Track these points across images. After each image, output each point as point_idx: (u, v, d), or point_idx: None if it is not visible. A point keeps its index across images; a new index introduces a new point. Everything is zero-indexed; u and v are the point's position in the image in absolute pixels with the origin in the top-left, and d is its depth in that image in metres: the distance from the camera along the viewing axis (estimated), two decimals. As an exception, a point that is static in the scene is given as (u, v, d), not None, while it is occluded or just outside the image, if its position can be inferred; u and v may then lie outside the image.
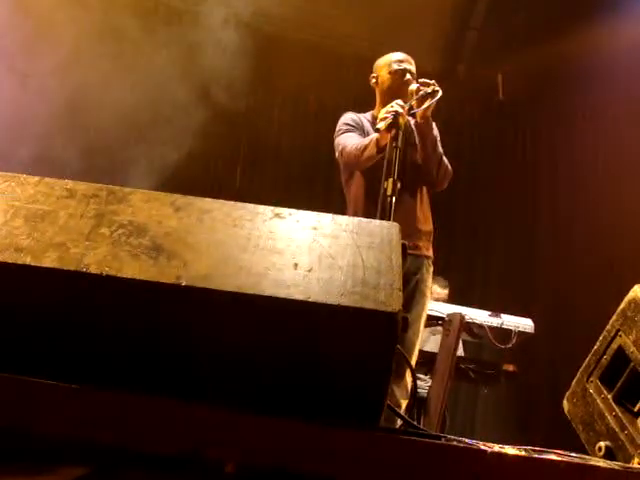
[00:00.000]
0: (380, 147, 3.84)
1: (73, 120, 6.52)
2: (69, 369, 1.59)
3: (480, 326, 5.90)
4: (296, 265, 1.64)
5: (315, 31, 7.95)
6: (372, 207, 3.87)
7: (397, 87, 4.20)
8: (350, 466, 1.51)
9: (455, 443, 1.66)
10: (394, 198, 3.38)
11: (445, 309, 5.79)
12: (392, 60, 4.36)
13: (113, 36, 6.75)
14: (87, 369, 1.61)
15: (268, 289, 1.58)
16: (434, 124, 4.17)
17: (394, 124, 3.63)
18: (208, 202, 1.79)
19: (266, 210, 1.79)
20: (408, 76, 4.20)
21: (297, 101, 8.08)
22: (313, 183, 7.93)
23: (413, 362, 4.20)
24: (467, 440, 1.73)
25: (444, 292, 7.16)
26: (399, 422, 3.12)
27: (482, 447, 1.60)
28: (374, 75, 4.42)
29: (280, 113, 8.03)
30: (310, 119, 8.01)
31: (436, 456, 1.57)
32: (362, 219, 1.82)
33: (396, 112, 3.67)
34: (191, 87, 7.27)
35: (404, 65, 4.30)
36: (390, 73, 4.29)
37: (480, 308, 6.10)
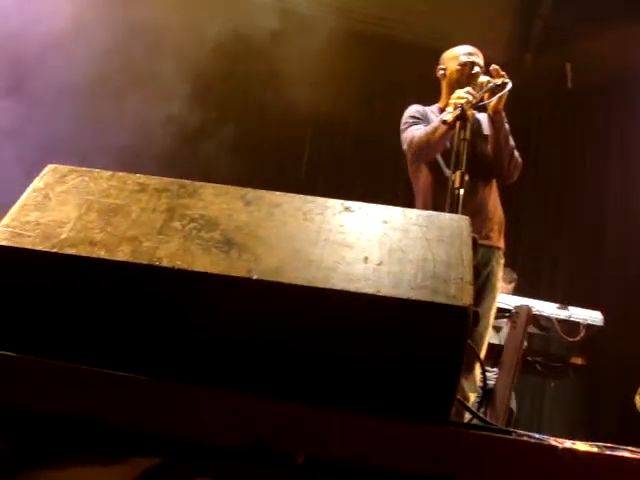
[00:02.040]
0: (445, 137, 3.82)
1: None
2: (141, 362, 1.61)
3: (548, 319, 5.84)
4: (366, 259, 1.64)
5: (380, 21, 7.91)
6: (441, 199, 3.86)
7: (465, 79, 4.15)
8: (420, 460, 1.50)
9: (525, 438, 1.64)
10: (462, 190, 3.35)
11: (512, 301, 5.73)
12: (461, 53, 4.32)
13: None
14: (157, 362, 1.63)
15: (338, 283, 1.58)
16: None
17: (461, 116, 3.60)
18: (278, 196, 1.80)
19: (336, 204, 1.79)
20: (477, 69, 4.14)
21: (363, 92, 8.06)
22: (379, 175, 7.90)
23: (482, 356, 4.17)
24: (537, 435, 1.71)
25: (510, 286, 7.08)
26: (467, 416, 3.10)
27: (553, 443, 1.58)
28: (442, 67, 4.38)
29: (346, 104, 8.02)
30: (377, 108, 7.98)
31: (506, 452, 1.55)
32: (432, 212, 1.81)
33: (464, 102, 3.64)
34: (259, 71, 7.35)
35: (473, 58, 4.25)
36: (459, 65, 4.24)
37: (547, 300, 6.03)
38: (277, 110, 7.68)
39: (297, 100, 7.70)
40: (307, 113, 7.80)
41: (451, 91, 4.17)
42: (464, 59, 4.26)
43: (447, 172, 3.72)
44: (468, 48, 4.34)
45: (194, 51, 6.72)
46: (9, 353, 1.60)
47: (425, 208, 4.04)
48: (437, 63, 4.48)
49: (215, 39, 6.71)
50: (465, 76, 4.17)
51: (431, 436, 1.53)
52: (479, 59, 4.27)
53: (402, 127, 4.37)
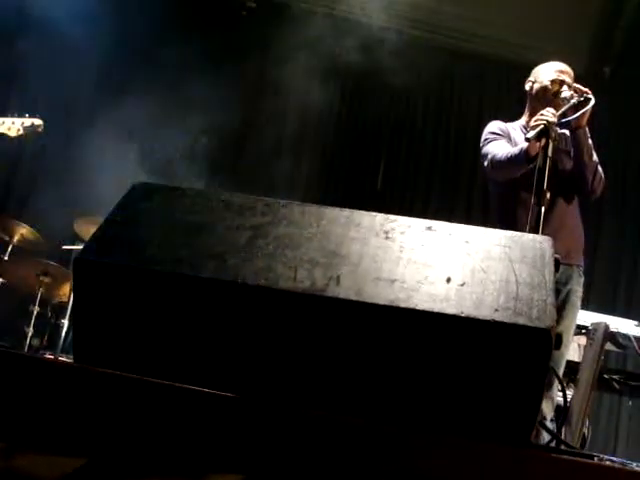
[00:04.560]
0: (530, 157, 3.77)
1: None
2: (224, 378, 1.64)
3: (625, 336, 5.73)
4: (449, 279, 1.64)
5: (458, 34, 7.89)
6: (520, 216, 3.82)
7: (551, 96, 4.09)
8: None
9: (608, 463, 1.62)
10: (543, 208, 3.31)
11: (589, 318, 5.64)
12: (551, 70, 4.25)
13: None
14: (239, 378, 1.65)
15: (421, 303, 1.58)
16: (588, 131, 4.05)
17: (545, 133, 3.55)
18: (360, 214, 1.81)
19: (418, 223, 1.79)
20: (564, 89, 4.07)
21: (440, 104, 8.05)
22: (456, 188, 7.86)
23: (561, 374, 4.11)
24: (619, 460, 1.69)
25: None
26: (544, 434, 3.07)
27: (636, 468, 1.56)
28: (531, 80, 4.32)
29: (423, 115, 8.02)
30: (452, 122, 7.96)
31: (589, 477, 1.53)
32: (515, 233, 1.80)
33: (547, 121, 3.59)
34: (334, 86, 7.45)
35: (563, 77, 4.18)
36: (547, 82, 4.18)
37: (625, 317, 5.92)
38: (353, 122, 7.74)
39: (373, 112, 7.75)
40: (383, 125, 7.83)
41: (535, 106, 4.12)
42: (554, 76, 4.19)
43: (527, 188, 3.67)
44: (560, 66, 4.26)
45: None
46: (96, 368, 1.64)
47: (503, 224, 3.99)
48: (525, 76, 4.41)
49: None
50: (551, 93, 4.10)
51: (512, 458, 1.51)
52: (569, 78, 4.19)
53: (482, 142, 4.31)
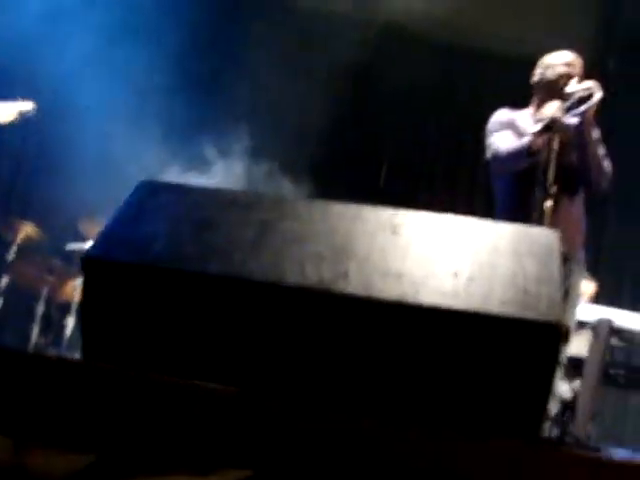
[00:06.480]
0: (532, 151, 3.75)
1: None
2: (232, 374, 1.63)
3: (631, 331, 5.72)
4: (456, 274, 1.63)
5: (459, 30, 7.86)
6: (523, 210, 3.79)
7: (559, 89, 4.05)
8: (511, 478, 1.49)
9: (618, 459, 1.61)
10: (549, 202, 3.30)
11: (593, 313, 5.62)
12: (561, 61, 4.21)
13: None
14: (249, 374, 1.65)
15: (429, 298, 1.58)
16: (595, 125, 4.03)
17: (550, 128, 3.54)
18: (367, 210, 1.80)
19: (425, 217, 1.78)
20: (572, 83, 4.04)
21: (443, 98, 8.01)
22: (456, 182, 7.83)
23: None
24: (627, 452, 1.68)
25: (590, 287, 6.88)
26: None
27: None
28: (539, 71, 4.29)
29: (426, 112, 7.98)
30: (456, 116, 7.92)
31: (599, 470, 1.53)
32: (521, 226, 1.80)
33: (553, 116, 3.58)
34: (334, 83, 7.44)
35: (570, 70, 4.14)
36: (554, 75, 4.14)
37: (631, 310, 5.90)
38: (358, 119, 7.70)
39: (374, 110, 7.73)
40: (388, 122, 7.81)
41: (542, 98, 4.08)
42: (561, 70, 4.16)
43: (531, 182, 3.66)
44: (567, 57, 4.20)
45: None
46: (104, 365, 1.64)
47: (506, 217, 3.97)
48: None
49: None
50: (559, 86, 4.07)
51: (523, 453, 1.51)
52: (577, 69, 4.16)
53: (487, 133, 4.28)
